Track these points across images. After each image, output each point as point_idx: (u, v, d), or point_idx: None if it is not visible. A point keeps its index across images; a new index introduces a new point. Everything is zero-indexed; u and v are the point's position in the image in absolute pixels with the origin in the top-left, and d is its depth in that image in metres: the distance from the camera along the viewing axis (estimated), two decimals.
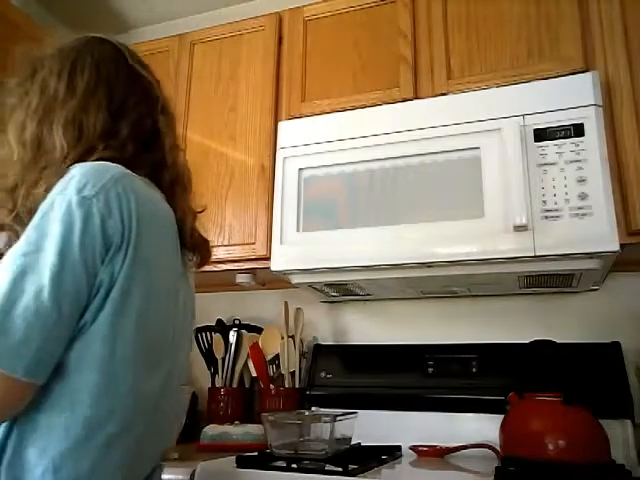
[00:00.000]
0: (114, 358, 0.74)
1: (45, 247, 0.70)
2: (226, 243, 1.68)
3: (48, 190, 0.76)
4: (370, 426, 1.52)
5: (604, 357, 1.46)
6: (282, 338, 1.74)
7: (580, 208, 1.25)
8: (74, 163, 0.79)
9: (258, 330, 1.84)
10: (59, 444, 0.70)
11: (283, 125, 1.64)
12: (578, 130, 1.30)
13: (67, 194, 0.73)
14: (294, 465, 1.17)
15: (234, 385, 1.78)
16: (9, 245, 0.77)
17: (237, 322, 1.85)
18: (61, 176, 0.77)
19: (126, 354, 0.75)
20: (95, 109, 0.85)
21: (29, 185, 0.81)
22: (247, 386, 1.84)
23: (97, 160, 0.80)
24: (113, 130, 0.86)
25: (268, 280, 1.83)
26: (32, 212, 0.75)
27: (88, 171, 0.76)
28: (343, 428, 1.32)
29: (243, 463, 1.22)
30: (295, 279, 1.56)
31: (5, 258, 0.75)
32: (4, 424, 0.72)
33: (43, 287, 0.68)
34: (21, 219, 0.80)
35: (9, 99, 0.89)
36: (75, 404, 0.72)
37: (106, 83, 0.88)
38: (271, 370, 1.77)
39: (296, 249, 1.49)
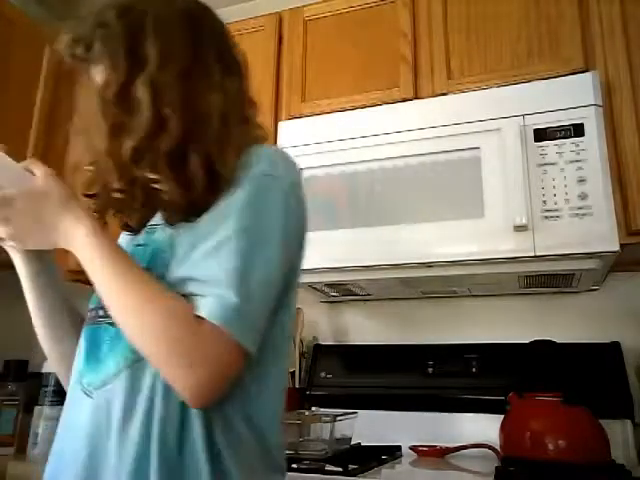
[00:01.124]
0: (287, 337, 0.78)
1: (270, 224, 0.69)
2: None
3: (230, 163, 0.71)
4: (370, 426, 1.52)
5: (604, 357, 1.46)
6: None
7: (580, 208, 1.25)
8: (239, 137, 0.75)
9: None
10: (265, 415, 0.72)
11: (283, 125, 1.64)
12: (578, 130, 1.30)
13: (281, 179, 0.73)
14: (294, 465, 1.17)
15: None
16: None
17: None
18: (235, 149, 0.73)
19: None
20: (231, 81, 0.79)
21: (196, 154, 0.70)
22: None
23: (258, 137, 0.79)
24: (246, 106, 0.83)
25: None
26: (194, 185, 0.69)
27: (285, 157, 0.76)
28: (343, 428, 1.32)
29: None
30: None
31: (205, 231, 0.68)
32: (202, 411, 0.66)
33: (271, 262, 0.68)
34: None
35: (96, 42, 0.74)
36: (278, 379, 0.75)
37: (228, 58, 0.81)
38: None
39: None
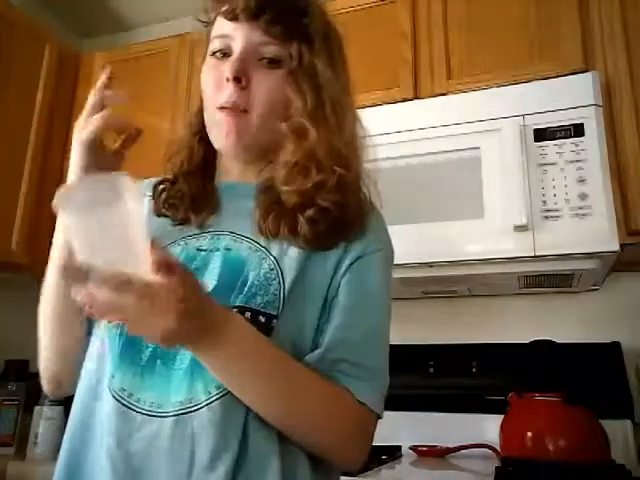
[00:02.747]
0: None
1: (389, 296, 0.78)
2: None
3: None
4: None
5: (604, 357, 1.46)
6: None
7: (580, 208, 1.25)
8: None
9: None
10: None
11: None
12: (578, 130, 1.30)
13: (392, 254, 0.84)
14: None
15: None
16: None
17: None
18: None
19: None
20: None
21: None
22: None
23: None
24: None
25: None
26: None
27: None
28: None
29: None
30: None
31: (363, 293, 0.76)
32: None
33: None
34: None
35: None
36: None
37: None
38: None
39: None
